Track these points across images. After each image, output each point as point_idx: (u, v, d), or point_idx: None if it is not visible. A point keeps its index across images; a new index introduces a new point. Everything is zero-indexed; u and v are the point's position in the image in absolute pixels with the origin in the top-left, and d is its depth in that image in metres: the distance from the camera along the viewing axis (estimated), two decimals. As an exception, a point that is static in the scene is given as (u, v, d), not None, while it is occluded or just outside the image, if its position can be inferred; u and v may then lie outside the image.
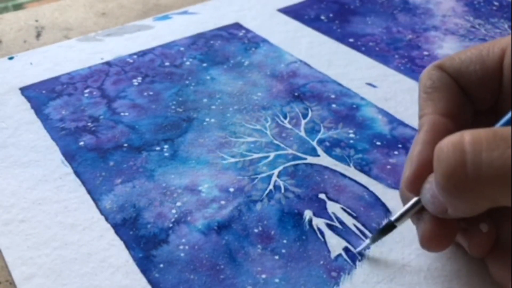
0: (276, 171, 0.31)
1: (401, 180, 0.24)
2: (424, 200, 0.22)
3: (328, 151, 0.33)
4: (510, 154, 0.17)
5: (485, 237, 0.23)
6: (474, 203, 0.19)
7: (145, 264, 0.26)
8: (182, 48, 0.43)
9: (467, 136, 0.18)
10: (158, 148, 0.33)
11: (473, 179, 0.18)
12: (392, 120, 0.35)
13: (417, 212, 0.23)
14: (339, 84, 0.39)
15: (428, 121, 0.24)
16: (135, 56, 0.42)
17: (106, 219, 0.28)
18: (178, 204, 0.29)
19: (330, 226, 0.28)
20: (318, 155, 0.32)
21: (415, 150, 0.23)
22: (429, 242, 0.23)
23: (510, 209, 0.20)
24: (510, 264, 0.22)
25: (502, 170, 0.17)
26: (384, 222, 0.27)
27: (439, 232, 0.23)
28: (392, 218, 0.24)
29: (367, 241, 0.26)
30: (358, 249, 0.26)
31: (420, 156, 0.23)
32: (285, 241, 0.27)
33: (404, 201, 0.24)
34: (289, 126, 0.35)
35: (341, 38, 0.45)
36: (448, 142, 0.19)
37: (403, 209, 0.24)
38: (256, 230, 0.27)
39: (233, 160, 0.32)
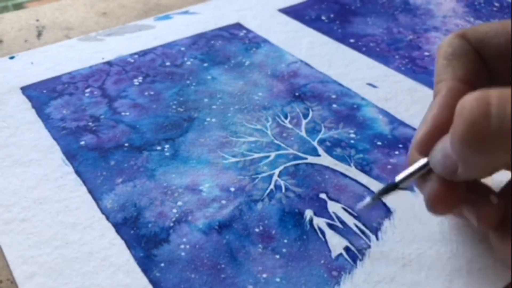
0: (277, 171, 0.31)
1: (412, 142, 0.24)
2: (433, 160, 0.22)
3: (328, 151, 0.33)
4: None
5: (495, 209, 0.23)
6: (492, 158, 0.19)
7: (146, 264, 0.26)
8: (183, 48, 0.43)
9: (493, 91, 0.18)
10: (159, 148, 0.33)
11: (496, 131, 0.18)
12: (393, 120, 0.35)
13: (422, 175, 0.23)
14: (340, 84, 0.39)
15: (447, 86, 0.24)
16: (136, 56, 0.42)
17: (107, 218, 0.28)
18: (179, 203, 0.29)
19: (331, 226, 0.28)
20: (319, 155, 0.32)
21: (430, 113, 0.23)
22: (436, 201, 0.23)
23: None
24: None
25: None
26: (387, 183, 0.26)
27: (446, 192, 0.22)
28: (397, 178, 0.24)
29: (368, 199, 0.25)
30: (359, 207, 0.26)
31: (435, 118, 0.23)
32: (286, 241, 0.27)
33: (411, 164, 0.24)
34: (290, 126, 0.35)
35: (342, 39, 0.45)
36: (472, 97, 0.18)
37: (408, 170, 0.23)
38: (257, 230, 0.27)
39: (234, 159, 0.32)
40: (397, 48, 0.44)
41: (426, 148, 0.23)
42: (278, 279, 0.25)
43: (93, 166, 0.31)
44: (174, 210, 0.28)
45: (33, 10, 0.50)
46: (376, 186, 0.30)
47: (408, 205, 0.29)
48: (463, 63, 0.24)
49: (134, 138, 0.34)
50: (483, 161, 0.19)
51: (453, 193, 0.22)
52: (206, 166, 0.31)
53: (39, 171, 0.31)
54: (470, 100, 0.18)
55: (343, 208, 0.29)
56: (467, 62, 0.24)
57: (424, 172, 0.23)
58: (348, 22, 0.48)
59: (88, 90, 0.38)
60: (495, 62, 0.24)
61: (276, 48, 0.44)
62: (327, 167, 0.31)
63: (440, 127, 0.22)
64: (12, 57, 0.42)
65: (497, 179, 0.30)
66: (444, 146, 0.21)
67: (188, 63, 0.41)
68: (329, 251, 0.26)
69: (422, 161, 0.23)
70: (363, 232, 0.27)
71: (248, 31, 0.46)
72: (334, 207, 0.29)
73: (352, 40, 0.45)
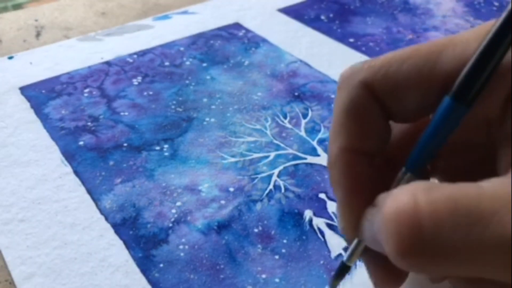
0: (276, 171, 0.31)
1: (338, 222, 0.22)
2: (364, 237, 0.19)
3: (328, 151, 0.33)
4: (473, 233, 0.14)
5: None
6: (429, 274, 0.17)
7: (145, 264, 0.25)
8: (182, 48, 0.43)
9: (423, 205, 0.15)
10: (158, 148, 0.33)
11: (431, 259, 0.15)
12: (392, 120, 0.35)
13: (363, 252, 0.21)
14: (339, 84, 0.39)
15: (340, 159, 0.20)
16: (135, 56, 0.42)
17: (106, 218, 0.28)
18: (178, 203, 0.29)
19: (330, 226, 0.28)
20: (318, 155, 0.32)
21: (337, 195, 0.20)
22: (380, 284, 0.21)
23: None
24: None
25: (463, 250, 0.15)
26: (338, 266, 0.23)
27: (388, 276, 0.21)
28: (344, 259, 0.22)
29: None
30: None
31: (344, 203, 0.20)
32: (285, 241, 0.27)
33: (350, 240, 0.22)
34: (289, 126, 0.35)
35: (341, 38, 0.45)
36: (399, 212, 0.15)
37: (350, 249, 0.21)
38: (256, 230, 0.27)
39: (233, 159, 0.32)
40: (396, 47, 0.44)
41: (350, 235, 0.20)
42: (277, 280, 0.25)
43: (92, 166, 0.31)
44: (173, 211, 0.28)
45: (32, 10, 0.50)
46: (375, 186, 0.30)
47: (408, 205, 0.29)
48: (359, 126, 0.20)
49: (133, 138, 0.33)
50: (420, 274, 0.17)
51: (395, 274, 0.20)
52: (205, 166, 0.31)
53: (38, 171, 0.31)
54: (397, 215, 0.15)
55: (343, 208, 0.29)
56: (365, 124, 0.20)
57: (362, 249, 0.21)
58: (348, 22, 0.48)
59: (87, 90, 0.38)
60: (407, 114, 0.20)
61: (276, 47, 0.43)
62: (326, 167, 0.31)
63: (353, 211, 0.20)
64: (11, 57, 0.42)
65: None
66: (371, 228, 0.18)
67: (187, 63, 0.41)
68: (329, 251, 0.26)
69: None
70: (362, 232, 0.27)
71: (247, 31, 0.46)
72: (333, 207, 0.29)
73: (351, 40, 0.45)
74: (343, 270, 0.22)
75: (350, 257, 0.21)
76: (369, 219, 0.19)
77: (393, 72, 0.19)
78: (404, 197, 0.15)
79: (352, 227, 0.20)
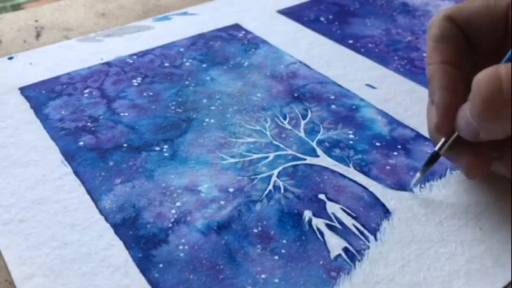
0: (275, 172, 0.31)
1: (429, 126, 0.28)
2: (458, 126, 0.26)
3: (327, 151, 0.33)
4: None
5: None
6: (507, 124, 0.22)
7: (144, 264, 0.26)
8: (181, 49, 0.43)
9: (502, 68, 0.21)
10: (157, 148, 0.33)
11: (507, 102, 0.21)
12: (392, 121, 0.36)
13: (454, 149, 0.27)
14: (339, 85, 0.39)
15: (439, 69, 0.27)
16: (134, 57, 0.42)
17: (106, 219, 0.28)
18: (178, 204, 0.29)
19: (329, 226, 0.28)
20: (318, 156, 0.32)
21: (436, 96, 0.27)
22: (473, 169, 0.27)
23: None
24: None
25: None
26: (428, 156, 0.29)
27: (479, 161, 0.27)
28: (436, 148, 0.28)
29: (417, 175, 0.29)
30: (411, 185, 0.30)
31: (443, 101, 0.26)
32: (284, 241, 0.27)
33: (437, 143, 0.28)
34: (288, 126, 0.35)
35: (341, 40, 0.45)
36: (485, 74, 0.22)
37: (442, 140, 0.28)
38: (255, 230, 0.27)
39: (232, 160, 0.32)
40: (396, 49, 0.44)
41: (445, 129, 0.27)
42: (277, 280, 0.25)
43: (92, 166, 0.31)
44: (173, 211, 0.28)
45: (32, 11, 0.50)
46: (374, 187, 0.30)
47: (407, 206, 0.29)
48: (450, 46, 0.28)
49: (133, 138, 0.34)
50: (500, 127, 0.22)
51: (484, 159, 0.27)
52: (205, 166, 0.31)
53: (37, 172, 0.31)
54: (483, 77, 0.22)
55: (342, 209, 0.29)
56: (454, 45, 0.28)
57: (453, 142, 0.27)
58: (347, 23, 0.48)
59: (87, 90, 0.38)
60: (481, 38, 0.28)
61: (275, 49, 0.44)
62: (326, 168, 0.31)
63: (450, 107, 0.26)
64: (11, 58, 0.42)
65: None
66: (465, 114, 0.24)
67: (187, 64, 0.41)
68: (328, 251, 0.26)
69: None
70: (361, 233, 0.27)
71: (247, 32, 0.46)
72: (333, 208, 0.29)
73: (351, 41, 0.45)
74: (434, 158, 0.28)
75: (442, 146, 0.28)
76: (464, 109, 0.25)
77: (468, 6, 0.28)
78: (489, 69, 0.22)
79: (447, 122, 0.26)
